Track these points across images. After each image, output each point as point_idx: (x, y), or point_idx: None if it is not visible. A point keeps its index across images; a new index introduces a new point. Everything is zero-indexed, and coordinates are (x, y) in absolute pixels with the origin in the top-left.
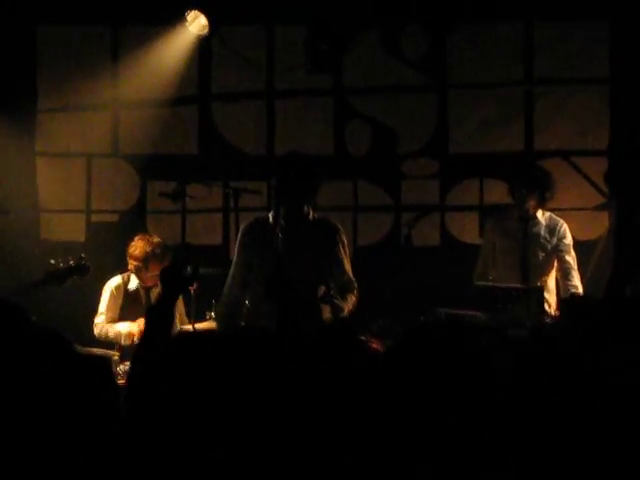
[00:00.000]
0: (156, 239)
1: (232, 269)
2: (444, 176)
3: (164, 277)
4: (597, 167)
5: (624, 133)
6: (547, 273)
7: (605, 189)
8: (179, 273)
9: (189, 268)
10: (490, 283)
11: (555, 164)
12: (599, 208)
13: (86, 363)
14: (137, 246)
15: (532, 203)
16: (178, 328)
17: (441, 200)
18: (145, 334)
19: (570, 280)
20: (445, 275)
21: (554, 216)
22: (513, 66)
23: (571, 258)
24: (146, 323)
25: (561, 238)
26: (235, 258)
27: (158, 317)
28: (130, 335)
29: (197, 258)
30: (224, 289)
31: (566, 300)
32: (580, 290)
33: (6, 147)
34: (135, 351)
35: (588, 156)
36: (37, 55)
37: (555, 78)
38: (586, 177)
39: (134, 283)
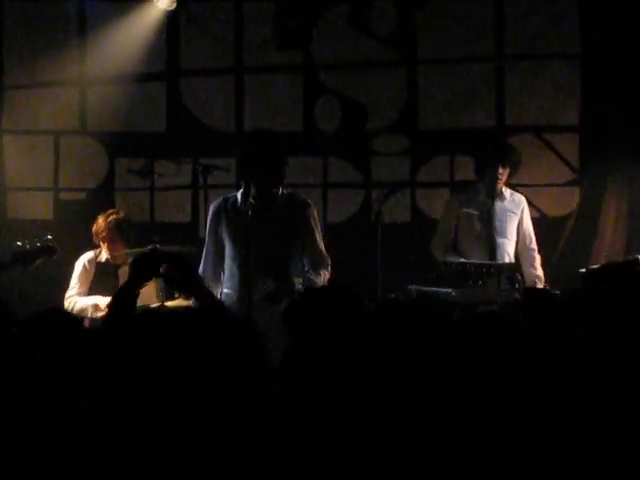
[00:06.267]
0: (113, 215)
1: (203, 257)
2: (414, 152)
3: (136, 265)
4: (568, 143)
5: (595, 109)
6: (512, 247)
7: (575, 165)
8: (152, 267)
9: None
10: (461, 259)
11: (526, 140)
12: (569, 184)
13: None
14: (97, 223)
15: (504, 179)
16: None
17: (411, 176)
18: (110, 314)
19: (528, 251)
20: (416, 252)
21: (514, 192)
22: (483, 41)
23: (531, 230)
24: (112, 304)
25: (523, 210)
26: (206, 243)
27: (123, 300)
28: (97, 307)
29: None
30: None
31: (529, 290)
32: (534, 254)
33: None
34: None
35: (559, 132)
36: (3, 30)
37: (525, 53)
38: (557, 153)
39: (104, 256)
